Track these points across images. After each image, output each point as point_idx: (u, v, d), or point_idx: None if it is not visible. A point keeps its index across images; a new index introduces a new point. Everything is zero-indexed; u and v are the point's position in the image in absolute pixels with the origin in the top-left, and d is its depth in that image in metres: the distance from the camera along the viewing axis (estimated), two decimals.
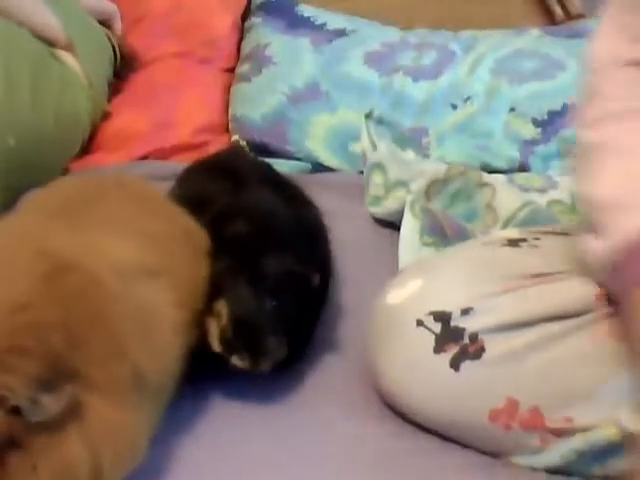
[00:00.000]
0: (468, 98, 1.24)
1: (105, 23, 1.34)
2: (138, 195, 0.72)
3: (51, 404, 0.48)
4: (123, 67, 1.32)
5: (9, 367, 0.47)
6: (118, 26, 1.36)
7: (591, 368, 0.64)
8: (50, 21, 1.13)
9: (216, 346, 0.70)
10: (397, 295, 0.70)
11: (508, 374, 0.64)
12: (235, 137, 1.24)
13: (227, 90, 1.33)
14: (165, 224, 0.70)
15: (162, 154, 1.21)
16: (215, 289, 0.71)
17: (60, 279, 0.52)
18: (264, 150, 1.22)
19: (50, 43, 1.13)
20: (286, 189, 0.87)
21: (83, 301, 0.53)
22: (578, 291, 0.66)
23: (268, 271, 0.71)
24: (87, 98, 1.17)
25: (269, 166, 0.96)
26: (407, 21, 1.44)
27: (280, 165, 1.14)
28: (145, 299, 0.61)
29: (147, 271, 0.63)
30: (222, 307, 0.70)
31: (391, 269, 0.88)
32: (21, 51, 1.05)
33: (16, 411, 0.48)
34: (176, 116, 1.25)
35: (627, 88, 0.67)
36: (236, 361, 0.70)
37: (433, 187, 0.94)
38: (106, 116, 1.24)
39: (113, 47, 1.31)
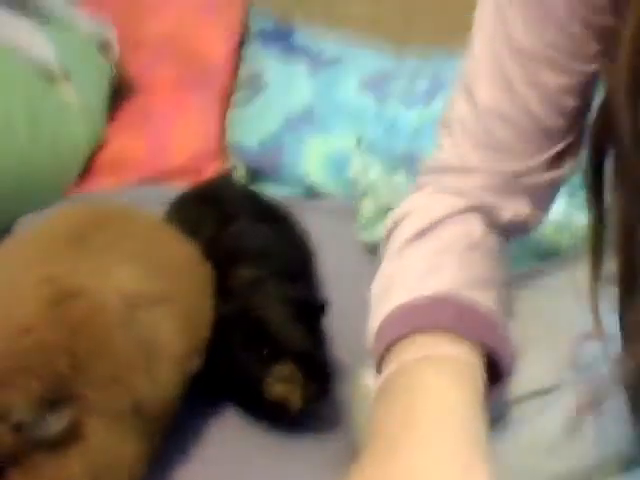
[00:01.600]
0: None
1: (102, 47, 1.36)
2: (142, 222, 0.74)
3: (53, 423, 0.50)
4: (120, 92, 1.33)
5: (14, 385, 0.49)
6: (115, 50, 1.38)
7: (565, 445, 0.61)
8: (45, 52, 1.16)
9: (299, 406, 0.71)
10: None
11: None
12: (231, 162, 1.26)
13: (223, 116, 1.34)
14: (169, 252, 0.72)
15: (157, 179, 1.23)
16: (259, 340, 0.71)
17: (66, 304, 0.54)
18: (260, 174, 1.24)
19: (45, 73, 1.15)
20: (273, 215, 0.90)
21: (88, 326, 0.55)
22: (551, 361, 0.63)
23: (295, 309, 0.73)
24: (84, 127, 1.19)
25: (256, 193, 0.98)
26: (402, 39, 1.46)
27: (275, 189, 1.16)
28: (148, 326, 0.63)
29: (150, 298, 0.65)
30: (292, 371, 0.70)
31: None
32: (17, 81, 1.08)
33: (19, 428, 0.49)
34: (172, 142, 1.27)
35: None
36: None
37: None
38: (102, 142, 1.25)
39: (110, 72, 1.32)
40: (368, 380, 0.67)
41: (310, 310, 0.74)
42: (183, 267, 0.72)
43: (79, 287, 0.56)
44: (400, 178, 1.08)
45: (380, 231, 1.00)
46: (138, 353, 0.60)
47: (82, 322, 0.55)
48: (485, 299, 0.56)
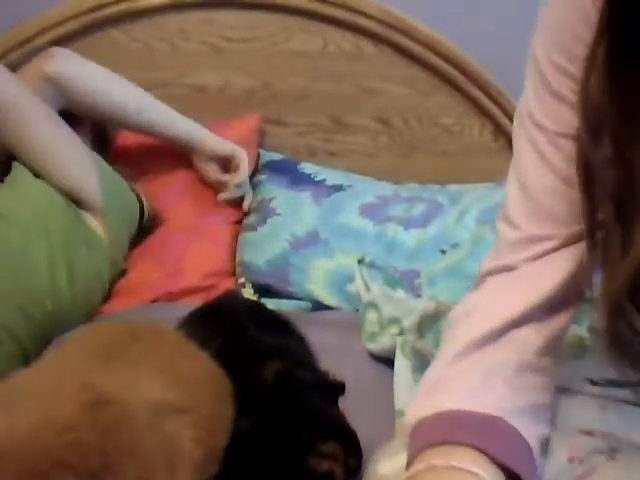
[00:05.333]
0: (456, 244, 1.33)
1: (227, 164, 1.43)
2: (167, 338, 0.81)
3: None
4: (146, 225, 1.41)
5: (54, 478, 0.54)
6: (244, 166, 1.43)
7: None
8: (90, 184, 1.25)
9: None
10: (388, 465, 0.72)
11: None
12: (241, 280, 1.33)
13: (234, 239, 1.42)
14: (189, 366, 0.77)
15: (171, 297, 1.30)
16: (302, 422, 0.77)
17: (100, 409, 0.60)
18: (268, 291, 1.31)
19: (79, 204, 1.24)
20: (276, 321, 0.97)
21: (118, 431, 0.61)
22: (553, 456, 0.66)
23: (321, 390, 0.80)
24: (107, 259, 1.27)
25: (258, 305, 1.06)
26: (398, 177, 1.57)
27: (283, 304, 1.22)
28: (169, 433, 0.68)
29: (172, 408, 0.70)
30: (336, 449, 0.76)
31: (388, 403, 0.92)
32: (56, 221, 1.17)
33: None
34: (186, 264, 1.34)
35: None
36: None
37: (424, 323, 0.99)
38: (123, 272, 1.33)
39: (141, 207, 1.39)
40: (384, 470, 0.72)
41: (330, 390, 0.80)
42: (202, 380, 0.78)
43: (112, 395, 0.63)
44: (400, 294, 1.13)
45: (385, 341, 1.05)
46: (161, 458, 0.65)
47: (113, 426, 0.60)
48: (527, 431, 0.61)
